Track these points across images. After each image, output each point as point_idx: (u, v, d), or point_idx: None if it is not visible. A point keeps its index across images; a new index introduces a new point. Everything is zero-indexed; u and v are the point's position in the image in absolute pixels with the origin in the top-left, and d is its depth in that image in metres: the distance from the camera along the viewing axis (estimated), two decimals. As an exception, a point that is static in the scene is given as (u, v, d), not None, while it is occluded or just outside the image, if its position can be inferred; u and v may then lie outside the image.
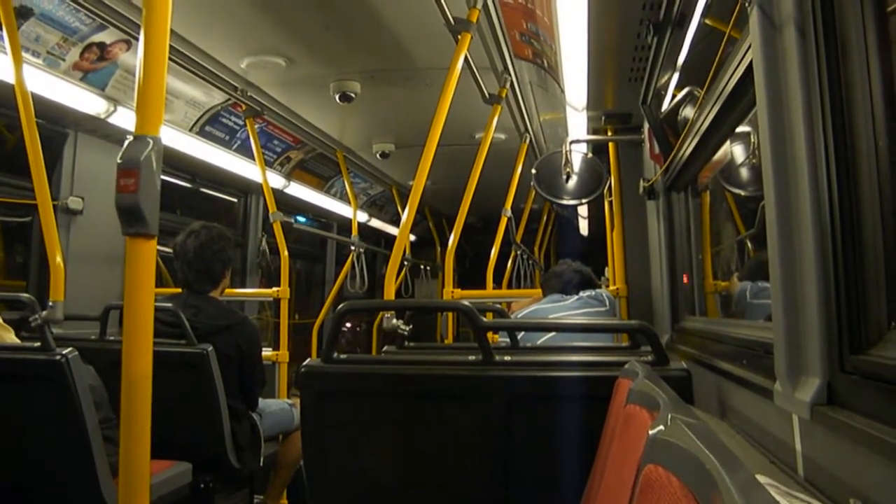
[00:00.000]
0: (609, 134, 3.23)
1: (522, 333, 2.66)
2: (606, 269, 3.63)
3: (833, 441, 0.93)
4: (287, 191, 4.78)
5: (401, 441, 1.70)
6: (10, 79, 2.11)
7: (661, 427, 0.65)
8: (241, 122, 3.77)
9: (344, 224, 5.84)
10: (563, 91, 3.02)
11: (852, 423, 0.84)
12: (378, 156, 4.81)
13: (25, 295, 2.13)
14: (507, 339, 2.41)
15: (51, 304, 2.05)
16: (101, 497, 1.90)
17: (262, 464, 2.69)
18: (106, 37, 2.66)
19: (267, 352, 3.35)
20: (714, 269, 2.38)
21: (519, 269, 5.94)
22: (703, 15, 1.63)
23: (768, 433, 1.25)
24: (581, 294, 2.97)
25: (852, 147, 0.91)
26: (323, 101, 3.60)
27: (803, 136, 0.98)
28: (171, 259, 2.79)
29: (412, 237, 7.54)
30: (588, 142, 3.37)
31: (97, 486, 1.89)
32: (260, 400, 2.77)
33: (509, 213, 3.80)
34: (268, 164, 4.31)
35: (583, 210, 5.48)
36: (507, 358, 1.68)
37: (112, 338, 2.57)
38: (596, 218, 5.25)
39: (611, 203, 3.35)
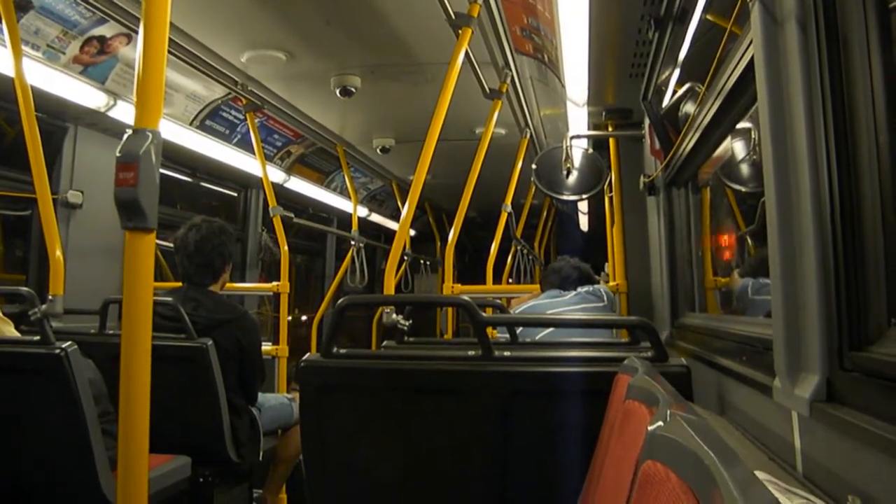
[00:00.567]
0: (609, 129, 3.22)
1: (521, 328, 2.66)
2: (606, 264, 3.63)
3: (832, 438, 0.93)
4: (287, 185, 4.78)
5: (400, 436, 1.69)
6: (10, 72, 2.11)
7: (660, 423, 0.65)
8: (241, 117, 3.76)
9: (344, 219, 5.84)
10: (563, 86, 3.02)
11: (852, 419, 0.84)
12: (378, 150, 4.81)
13: (25, 288, 2.13)
14: (507, 335, 2.41)
15: (50, 297, 2.05)
16: (100, 490, 1.90)
17: (261, 458, 2.70)
18: (106, 30, 2.65)
19: (266, 346, 3.35)
20: (714, 265, 2.38)
21: (519, 264, 5.95)
22: (705, 10, 1.63)
23: (767, 430, 1.25)
24: (579, 290, 2.97)
25: (853, 143, 0.90)
26: (323, 95, 3.59)
27: (804, 133, 0.97)
28: (170, 253, 2.79)
29: (412, 232, 7.53)
30: (588, 137, 3.37)
31: (96, 479, 1.89)
32: (259, 394, 2.77)
33: (509, 209, 3.80)
34: (268, 158, 4.31)
35: (583, 206, 5.48)
36: (507, 353, 1.68)
37: (111, 331, 2.57)
38: (596, 214, 5.25)
39: (611, 199, 3.35)
